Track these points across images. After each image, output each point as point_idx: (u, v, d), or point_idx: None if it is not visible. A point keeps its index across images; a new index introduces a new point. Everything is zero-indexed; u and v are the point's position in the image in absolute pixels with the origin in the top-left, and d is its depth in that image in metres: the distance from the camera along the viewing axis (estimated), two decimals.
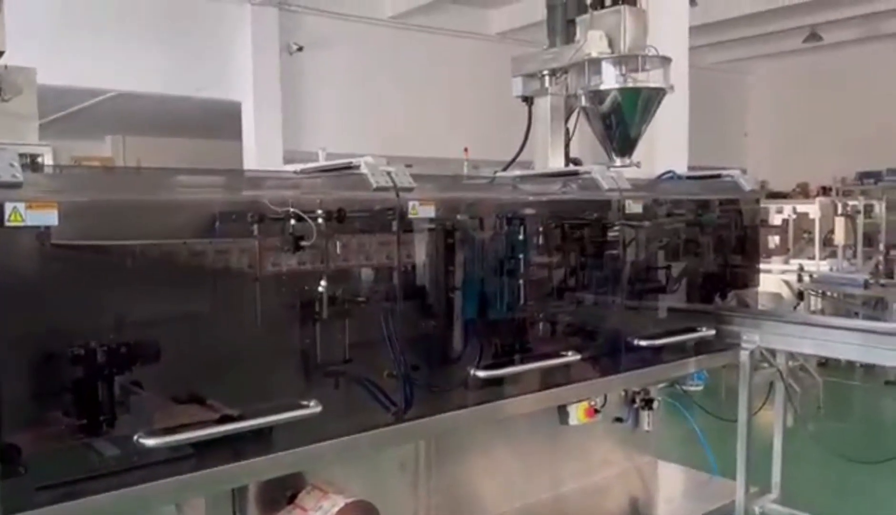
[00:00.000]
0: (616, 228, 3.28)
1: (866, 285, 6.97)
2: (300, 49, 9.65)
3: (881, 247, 8.82)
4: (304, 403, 2.24)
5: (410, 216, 2.46)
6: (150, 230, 2.19)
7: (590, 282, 3.37)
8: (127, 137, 13.23)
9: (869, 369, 6.80)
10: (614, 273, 3.37)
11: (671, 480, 4.29)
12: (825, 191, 12.49)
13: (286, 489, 2.66)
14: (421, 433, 2.68)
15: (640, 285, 3.51)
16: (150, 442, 1.90)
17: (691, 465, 4.36)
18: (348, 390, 2.57)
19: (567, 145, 4.00)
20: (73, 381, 1.98)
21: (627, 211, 3.22)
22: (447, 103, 11.03)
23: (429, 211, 2.49)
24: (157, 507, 2.14)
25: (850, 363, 6.36)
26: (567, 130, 3.91)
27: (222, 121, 9.75)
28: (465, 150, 7.64)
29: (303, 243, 2.36)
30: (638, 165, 3.59)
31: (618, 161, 3.58)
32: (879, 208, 9.42)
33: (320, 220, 2.42)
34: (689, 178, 3.89)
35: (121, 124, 12.12)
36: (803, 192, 13.36)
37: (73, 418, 1.98)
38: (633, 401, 4.06)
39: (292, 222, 2.37)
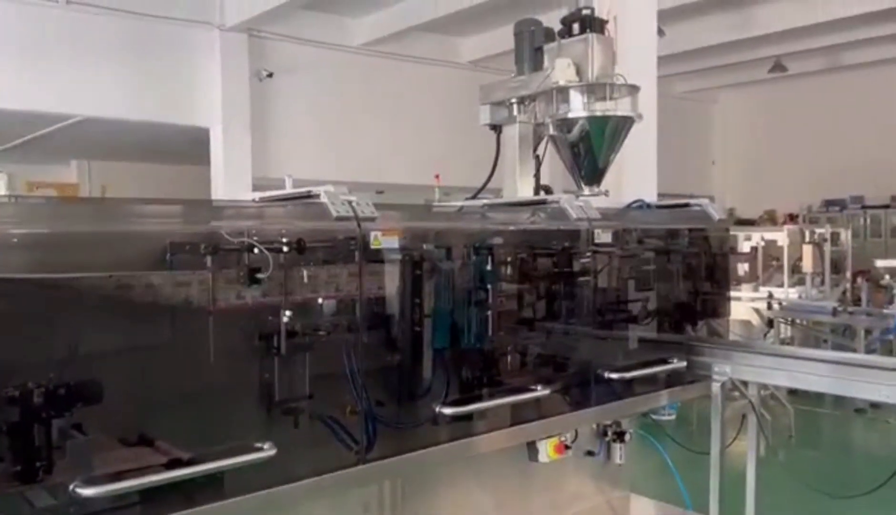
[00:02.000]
0: (586, 257, 3.23)
1: (835, 312, 7.02)
2: (270, 75, 9.56)
3: (848, 274, 8.93)
4: (259, 445, 2.12)
5: (373, 247, 2.37)
6: (96, 263, 2.08)
7: (559, 313, 3.30)
8: (93, 162, 12.98)
9: (839, 397, 6.81)
10: (584, 304, 3.31)
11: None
12: (792, 218, 12.67)
13: None
14: (384, 474, 2.57)
15: (610, 315, 3.46)
16: (87, 492, 1.77)
17: (664, 499, 4.28)
18: (309, 428, 2.46)
19: (537, 173, 3.96)
20: (6, 424, 1.85)
21: (596, 240, 3.17)
22: (418, 130, 10.99)
23: (392, 242, 2.41)
24: None
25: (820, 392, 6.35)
26: (536, 158, 3.86)
27: (191, 147, 9.61)
28: (437, 176, 7.59)
29: (259, 276, 2.26)
30: (606, 193, 3.55)
31: (586, 190, 3.53)
32: (845, 235, 9.56)
33: (279, 251, 2.34)
34: (658, 207, 3.85)
35: (87, 149, 11.89)
36: (770, 219, 13.55)
37: (7, 463, 1.85)
38: (605, 434, 3.97)
39: (249, 253, 2.28)
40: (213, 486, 2.10)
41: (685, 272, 3.84)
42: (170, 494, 2.01)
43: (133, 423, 2.06)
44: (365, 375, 2.50)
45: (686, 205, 3.80)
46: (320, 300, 2.51)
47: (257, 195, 2.60)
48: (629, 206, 3.73)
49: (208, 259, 2.25)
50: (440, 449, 2.61)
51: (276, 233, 2.37)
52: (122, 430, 2.05)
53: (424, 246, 2.75)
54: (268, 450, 2.11)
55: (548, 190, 3.72)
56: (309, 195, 2.35)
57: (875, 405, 6.84)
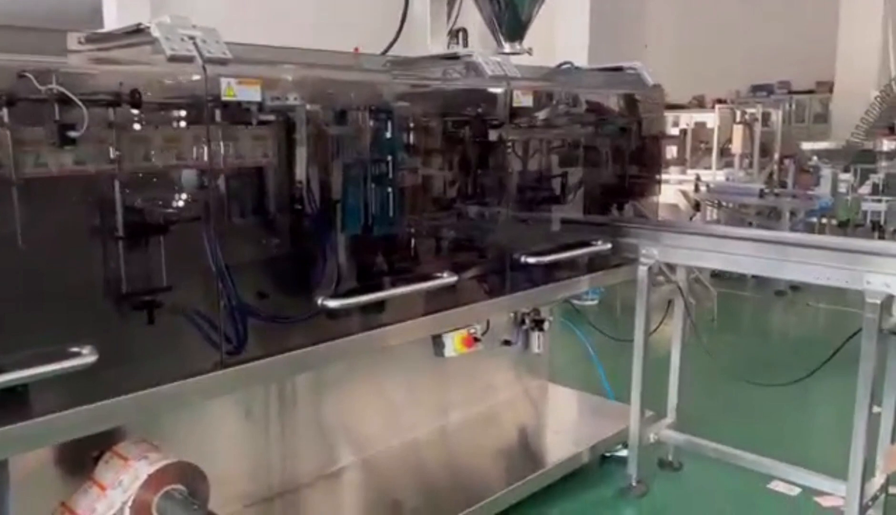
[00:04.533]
0: (502, 125, 2.77)
1: (761, 194, 6.87)
2: None
3: (776, 157, 8.80)
4: (76, 350, 1.65)
5: (226, 99, 1.85)
6: None
7: (472, 190, 2.89)
8: None
9: (761, 280, 6.76)
10: (501, 180, 2.89)
11: (563, 405, 4.00)
12: (720, 103, 12.46)
13: (91, 448, 2.12)
14: (255, 378, 2.15)
15: (529, 193, 3.06)
16: None
17: (585, 388, 4.08)
18: (165, 326, 2.00)
19: (452, 33, 3.43)
20: None
21: (515, 104, 2.72)
22: None
23: (251, 93, 1.89)
24: None
25: (742, 275, 6.26)
26: (448, 13, 3.32)
27: None
28: (356, 49, 6.89)
29: (71, 134, 1.72)
30: (530, 52, 3.07)
31: (507, 47, 3.05)
32: (776, 116, 9.37)
33: (107, 104, 1.80)
34: (588, 70, 3.40)
35: None
36: (699, 104, 13.34)
37: None
38: (523, 322, 3.69)
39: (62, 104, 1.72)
40: (19, 402, 1.64)
41: (615, 146, 3.45)
42: None
43: None
44: (234, 264, 2.05)
45: (619, 68, 3.36)
46: (174, 171, 2.00)
47: (82, 34, 2.00)
48: (556, 68, 3.26)
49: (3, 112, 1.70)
50: (324, 347, 2.20)
51: (100, 81, 1.83)
52: None
53: (306, 105, 2.23)
54: (87, 355, 1.65)
55: (465, 42, 3.20)
56: (139, 30, 1.78)
57: (795, 288, 6.84)
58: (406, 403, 3.35)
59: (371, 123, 2.44)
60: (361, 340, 2.31)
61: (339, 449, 3.09)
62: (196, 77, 1.84)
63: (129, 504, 2.02)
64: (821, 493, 3.11)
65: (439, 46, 3.28)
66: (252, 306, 2.13)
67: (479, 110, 2.83)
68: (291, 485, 2.90)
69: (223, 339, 2.07)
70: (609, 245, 3.17)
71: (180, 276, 2.01)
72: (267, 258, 2.28)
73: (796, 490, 3.26)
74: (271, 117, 2.14)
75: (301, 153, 2.27)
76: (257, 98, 1.93)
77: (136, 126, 1.89)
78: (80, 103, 1.71)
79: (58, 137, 1.74)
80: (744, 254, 2.98)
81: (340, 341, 2.24)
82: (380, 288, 2.41)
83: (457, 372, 3.46)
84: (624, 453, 3.44)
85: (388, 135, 2.46)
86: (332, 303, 2.17)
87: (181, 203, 2.07)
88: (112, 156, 1.85)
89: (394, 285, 2.47)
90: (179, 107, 1.97)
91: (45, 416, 1.66)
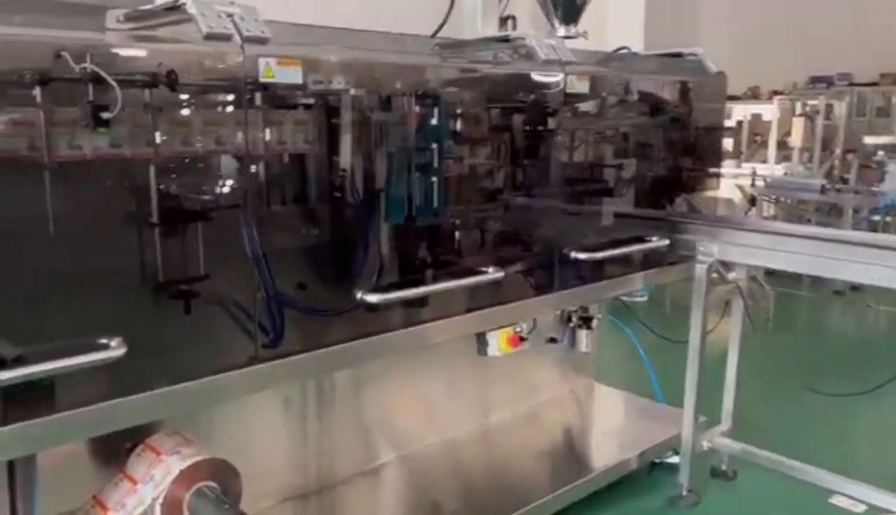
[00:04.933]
0: (557, 112, 2.63)
1: (823, 189, 6.55)
2: None
3: (838, 151, 8.40)
4: (104, 341, 1.58)
5: (264, 80, 1.75)
6: None
7: (522, 181, 2.75)
8: None
9: (817, 279, 6.46)
10: (552, 170, 2.75)
11: (610, 407, 3.84)
12: (776, 94, 12.00)
13: (125, 439, 2.06)
14: (291, 374, 2.06)
15: (581, 185, 2.91)
16: None
17: (633, 390, 3.92)
18: (199, 317, 1.92)
19: (502, 19, 3.28)
20: None
21: (570, 90, 2.56)
22: None
23: (292, 74, 1.78)
24: None
25: (798, 273, 5.98)
26: None
27: None
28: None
29: (104, 116, 1.64)
30: (585, 35, 2.91)
31: (561, 30, 2.89)
32: (839, 108, 8.95)
33: (143, 86, 1.72)
34: (646, 55, 3.23)
35: None
36: (753, 95, 12.88)
37: None
38: (570, 320, 3.54)
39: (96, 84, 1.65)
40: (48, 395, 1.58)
41: (672, 137, 3.27)
42: None
43: None
44: (272, 254, 1.96)
45: (678, 54, 3.17)
46: (213, 156, 1.92)
47: (120, 12, 1.92)
48: (612, 53, 3.09)
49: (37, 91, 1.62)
50: (361, 343, 2.10)
51: (137, 60, 1.76)
52: None
53: (350, 89, 2.13)
54: (115, 348, 1.57)
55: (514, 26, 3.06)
56: (175, 6, 1.69)
57: (854, 288, 6.52)
58: (446, 400, 3.25)
59: (417, 108, 2.32)
60: (402, 337, 2.20)
61: (377, 446, 3.00)
62: (233, 58, 1.74)
63: (161, 500, 1.96)
64: (889, 513, 2.90)
65: (490, 30, 3.13)
66: (289, 298, 2.04)
67: (531, 97, 2.69)
68: (328, 481, 2.82)
69: (259, 331, 1.98)
70: (667, 242, 3.00)
71: (216, 266, 1.93)
72: (305, 248, 2.19)
73: (861, 507, 3.05)
74: (313, 101, 2.05)
75: (344, 140, 2.17)
76: (298, 80, 1.83)
77: (172, 108, 1.80)
78: (113, 83, 1.63)
79: (91, 119, 1.66)
80: (806, 253, 2.79)
81: (380, 337, 2.14)
82: (422, 282, 2.30)
83: (499, 370, 3.34)
84: (675, 460, 3.28)
85: (435, 121, 2.34)
86: (372, 297, 2.07)
87: (218, 190, 1.99)
88: (147, 140, 1.78)
89: (436, 279, 2.36)
90: (217, 89, 1.88)
91: (71, 411, 1.58)
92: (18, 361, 1.56)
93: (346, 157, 2.18)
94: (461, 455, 3.23)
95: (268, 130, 1.93)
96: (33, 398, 1.56)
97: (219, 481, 2.03)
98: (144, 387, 1.69)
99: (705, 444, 3.22)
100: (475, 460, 3.21)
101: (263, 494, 2.55)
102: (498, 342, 2.65)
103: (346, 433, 2.86)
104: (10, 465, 1.63)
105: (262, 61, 1.72)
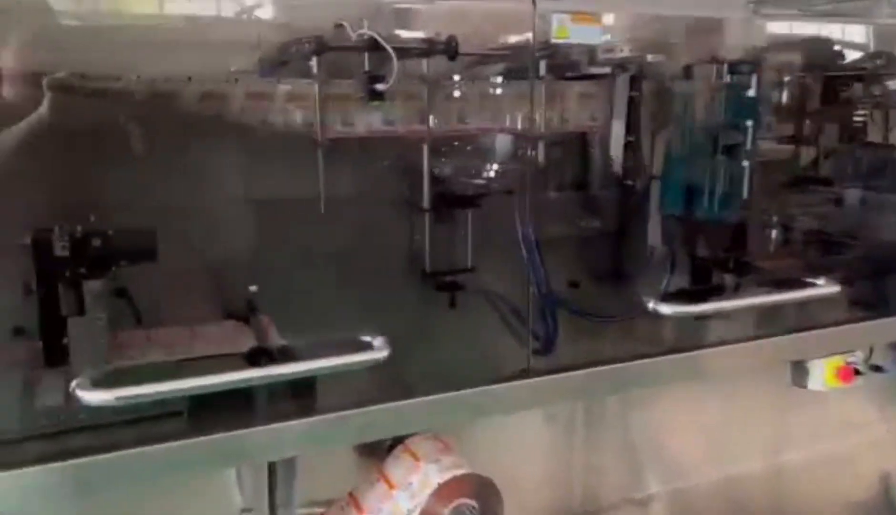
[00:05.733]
0: None
1: None
2: None
3: None
4: (366, 339, 1.41)
5: (556, 40, 1.46)
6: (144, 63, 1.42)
7: (857, 171, 2.20)
8: None
9: None
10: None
11: None
12: None
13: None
14: (567, 392, 1.77)
15: None
16: (92, 397, 1.17)
17: None
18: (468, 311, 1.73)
19: None
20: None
21: None
22: None
23: (591, 33, 1.47)
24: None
25: None
26: None
27: None
28: None
29: (378, 87, 1.47)
30: None
31: None
32: None
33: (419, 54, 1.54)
34: None
35: None
36: None
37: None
38: None
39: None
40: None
41: None
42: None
43: (188, 294, 1.44)
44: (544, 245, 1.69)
45: None
46: (486, 135, 1.71)
47: None
48: None
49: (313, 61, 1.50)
50: (650, 363, 1.74)
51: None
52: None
53: (647, 55, 1.79)
54: (379, 349, 1.39)
55: None
56: None
57: None
58: (732, 430, 2.77)
59: (728, 78, 1.90)
60: (700, 358, 1.81)
61: (647, 474, 2.64)
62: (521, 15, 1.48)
63: (417, 513, 1.80)
64: None
65: None
66: (564, 299, 1.76)
67: (877, 62, 2.12)
68: (592, 506, 2.52)
69: (531, 337, 1.73)
70: None
71: (484, 257, 1.73)
72: (582, 243, 1.90)
73: None
74: (605, 70, 1.73)
75: (637, 116, 1.84)
76: (598, 40, 1.52)
77: (447, 80, 1.60)
78: (391, 51, 1.45)
79: (366, 92, 1.51)
80: None
81: (672, 357, 1.76)
82: (727, 292, 1.88)
83: (802, 399, 2.77)
84: None
85: (751, 94, 1.91)
86: (665, 308, 1.70)
87: (492, 173, 1.77)
88: (422, 116, 1.60)
89: (743, 290, 1.92)
90: (499, 58, 1.65)
91: (334, 413, 1.44)
92: (283, 353, 1.46)
93: (640, 137, 1.84)
94: (746, 495, 2.76)
95: (553, 105, 1.66)
96: (293, 396, 1.45)
97: (480, 500, 1.83)
98: (406, 393, 1.52)
99: None
100: (764, 503, 2.75)
101: (521, 512, 2.32)
102: (823, 374, 2.11)
103: (613, 454, 2.54)
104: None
105: (555, 18, 1.43)
